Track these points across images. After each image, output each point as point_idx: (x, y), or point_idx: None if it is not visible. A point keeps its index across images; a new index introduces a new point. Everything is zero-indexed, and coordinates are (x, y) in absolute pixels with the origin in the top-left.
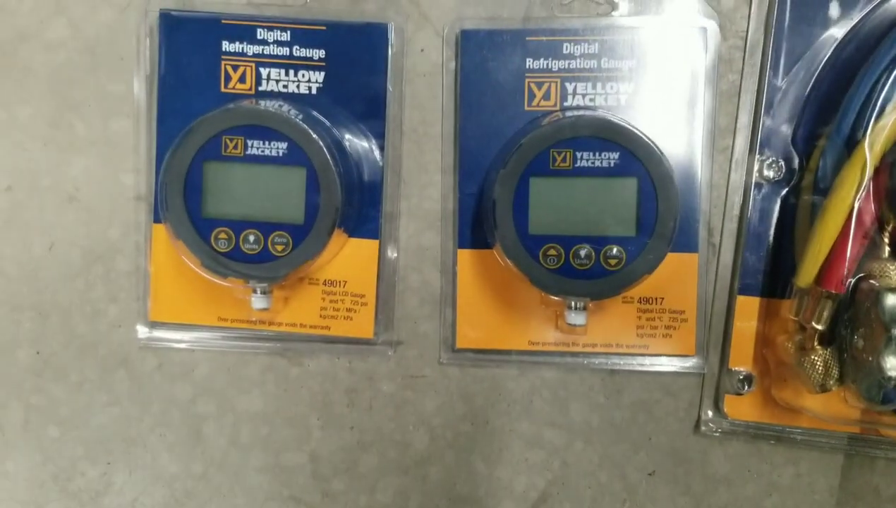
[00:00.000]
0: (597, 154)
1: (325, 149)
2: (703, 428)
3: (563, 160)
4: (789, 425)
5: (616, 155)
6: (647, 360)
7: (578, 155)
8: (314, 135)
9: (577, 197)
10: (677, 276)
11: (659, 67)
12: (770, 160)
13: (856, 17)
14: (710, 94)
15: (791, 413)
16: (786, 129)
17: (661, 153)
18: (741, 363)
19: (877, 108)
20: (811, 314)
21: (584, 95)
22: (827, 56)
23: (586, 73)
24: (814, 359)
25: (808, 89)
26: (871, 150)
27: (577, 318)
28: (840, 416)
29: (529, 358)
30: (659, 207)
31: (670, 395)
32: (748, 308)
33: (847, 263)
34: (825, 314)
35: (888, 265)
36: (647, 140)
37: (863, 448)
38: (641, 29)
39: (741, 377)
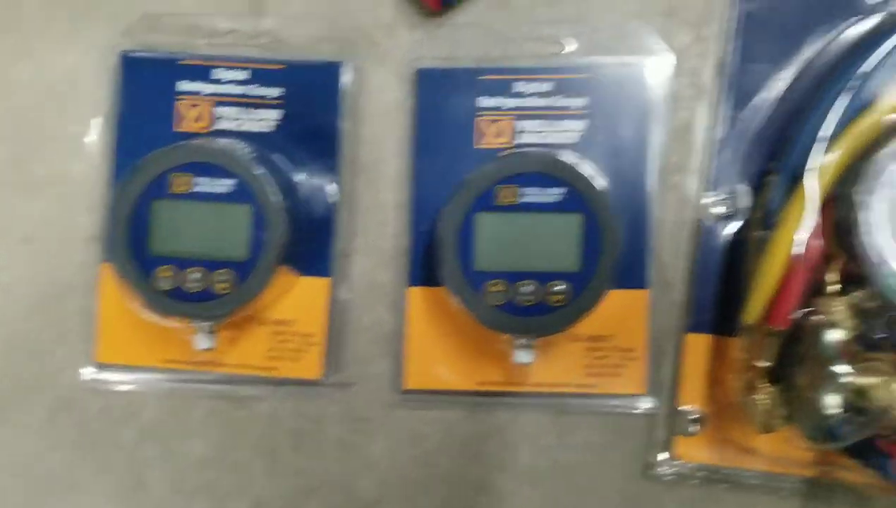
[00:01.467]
0: (542, 190)
1: (268, 186)
2: (654, 471)
3: (509, 196)
4: (743, 467)
5: (561, 191)
6: (598, 400)
7: (523, 191)
8: (258, 172)
9: (522, 232)
10: (627, 313)
11: (611, 105)
12: (721, 197)
13: (806, 55)
14: (662, 132)
15: (745, 455)
16: (737, 166)
17: (605, 190)
18: (692, 402)
19: (822, 144)
20: (757, 351)
21: (536, 133)
22: (779, 93)
23: (538, 112)
24: (759, 398)
25: (760, 126)
26: (816, 185)
27: (524, 356)
28: (792, 459)
29: (479, 399)
30: (603, 244)
31: (621, 437)
32: (699, 346)
33: (792, 299)
34: (770, 351)
35: (834, 300)
36: (590, 177)
37: (820, 493)
38: (593, 67)
39: (692, 417)
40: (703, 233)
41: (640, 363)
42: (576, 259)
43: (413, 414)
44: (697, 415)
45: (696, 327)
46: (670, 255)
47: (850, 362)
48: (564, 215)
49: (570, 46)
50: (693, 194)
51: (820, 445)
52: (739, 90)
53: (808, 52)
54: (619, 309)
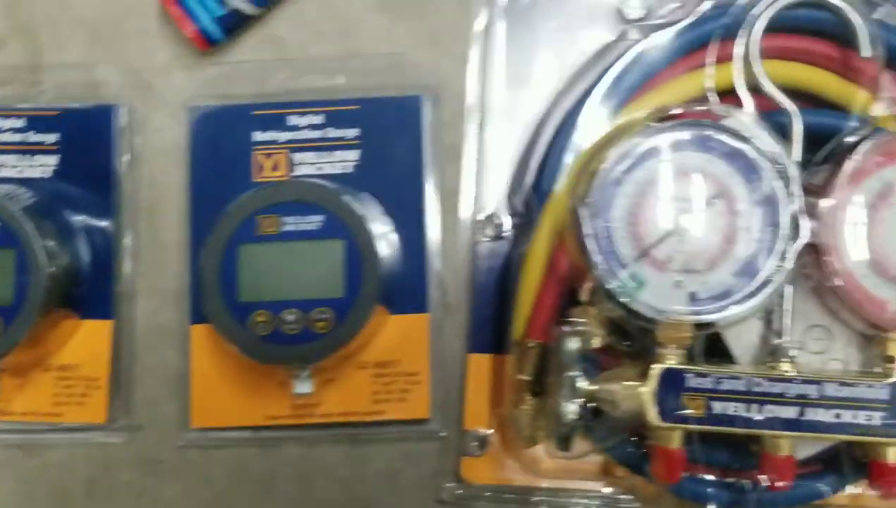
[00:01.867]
0: (302, 218)
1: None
2: (444, 496)
3: (270, 225)
4: (531, 486)
5: (321, 218)
6: (388, 427)
7: (284, 220)
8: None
9: (284, 262)
10: (411, 338)
11: (383, 133)
12: (492, 218)
13: (566, 78)
14: (435, 158)
15: (531, 472)
16: (504, 188)
17: (364, 215)
18: (477, 423)
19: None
20: (521, 366)
21: (312, 165)
22: (540, 116)
23: (313, 144)
24: (520, 412)
25: (523, 147)
26: (563, 201)
27: (302, 387)
28: (579, 472)
29: (268, 433)
30: (365, 268)
31: (414, 463)
32: (480, 366)
33: (545, 312)
34: (531, 364)
35: (584, 312)
36: (350, 203)
37: (607, 505)
38: (365, 98)
39: (476, 437)
40: (478, 254)
41: (424, 387)
42: (339, 285)
43: (204, 453)
44: (482, 436)
45: (477, 347)
46: (452, 278)
47: (597, 370)
48: (326, 242)
49: (341, 79)
50: (467, 217)
51: (562, 453)
52: (503, 114)
53: (568, 71)
54: (402, 333)
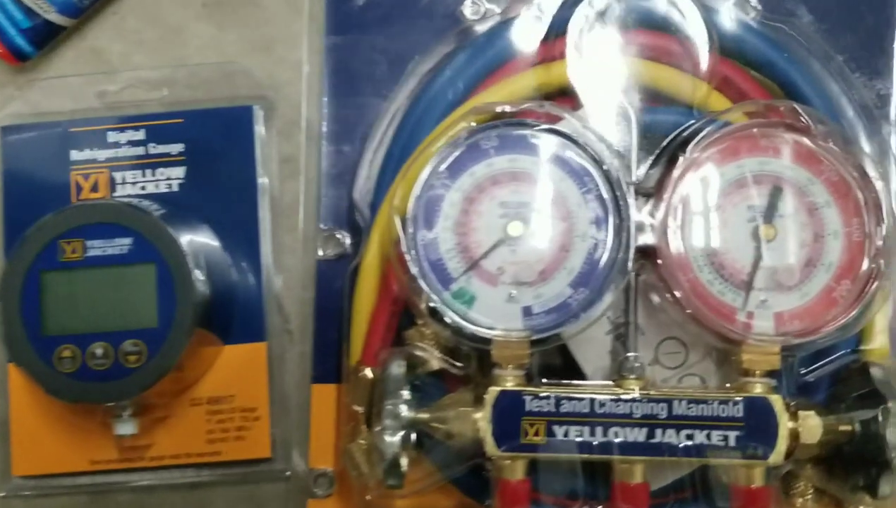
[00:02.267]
0: (109, 241)
1: None
2: None
3: (73, 251)
4: None
5: (129, 241)
6: (227, 469)
7: (89, 244)
8: None
9: (91, 290)
10: (247, 370)
11: (212, 148)
12: (334, 235)
13: (410, 85)
14: (271, 172)
15: None
16: (347, 202)
17: (176, 236)
18: (323, 461)
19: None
20: (354, 395)
21: (134, 184)
22: (385, 126)
23: (135, 161)
24: (355, 447)
25: (365, 159)
26: (390, 218)
27: (124, 427)
28: None
29: (99, 479)
30: (178, 294)
31: (259, 507)
32: (325, 398)
33: (377, 337)
34: (363, 393)
35: (423, 331)
36: (160, 223)
37: None
38: (189, 110)
39: (321, 477)
40: (320, 274)
41: (264, 423)
42: (151, 314)
43: (28, 503)
44: (329, 475)
45: (321, 377)
46: (294, 302)
47: (441, 395)
48: (135, 267)
49: (167, 91)
50: (309, 235)
51: (394, 488)
52: (342, 123)
53: (412, 81)
54: (238, 365)
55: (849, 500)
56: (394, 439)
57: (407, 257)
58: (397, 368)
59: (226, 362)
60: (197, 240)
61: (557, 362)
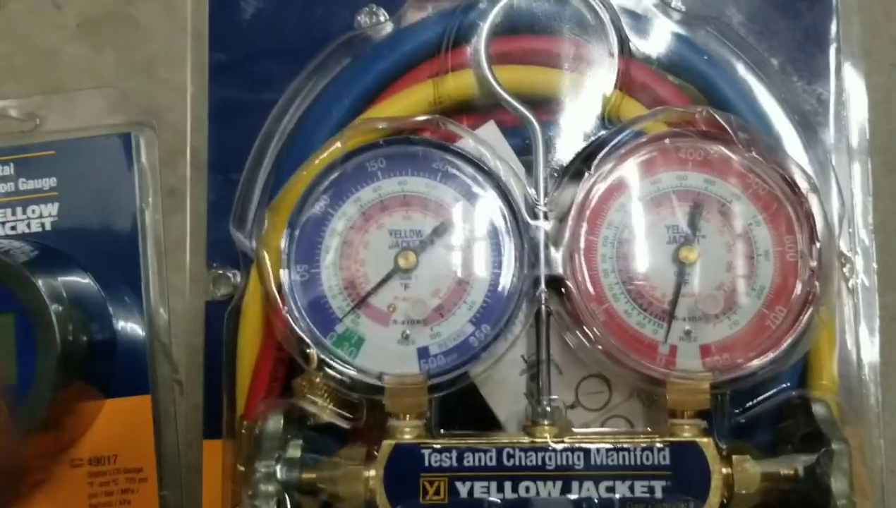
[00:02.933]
0: None
1: None
2: None
3: None
4: None
5: None
6: None
7: None
8: None
9: None
10: (131, 426)
11: (87, 182)
12: (225, 274)
13: (300, 103)
14: (154, 205)
15: None
16: (239, 238)
17: (36, 282)
18: None
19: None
20: (239, 452)
21: (3, 224)
22: (272, 148)
23: (2, 199)
24: None
25: (257, 187)
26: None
27: None
28: None
29: None
30: (39, 347)
31: None
32: (218, 454)
33: (261, 385)
34: (244, 451)
35: (313, 377)
36: (18, 268)
37: None
38: (62, 140)
39: None
40: (210, 318)
41: (151, 485)
42: (10, 369)
43: None
44: None
45: (214, 432)
46: (183, 349)
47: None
48: None
49: (38, 122)
50: (200, 274)
51: None
52: (230, 149)
53: (303, 98)
54: (121, 421)
55: None
56: (267, 505)
57: (280, 298)
58: (273, 424)
59: (108, 418)
60: (72, 283)
61: (469, 411)
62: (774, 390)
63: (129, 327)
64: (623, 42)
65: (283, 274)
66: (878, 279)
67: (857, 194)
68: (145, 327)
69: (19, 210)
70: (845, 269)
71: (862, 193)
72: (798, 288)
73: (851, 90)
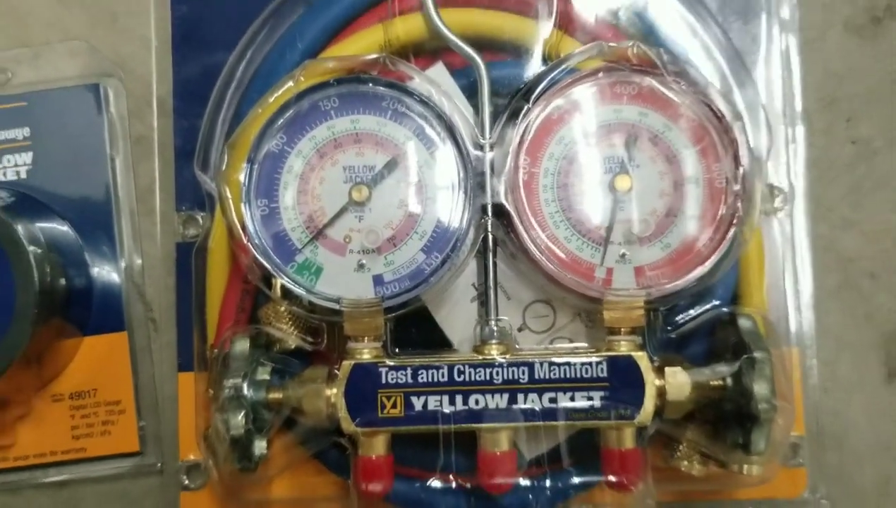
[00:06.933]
0: None
1: None
2: None
3: None
4: None
5: None
6: (93, 465)
7: None
8: None
9: None
10: (109, 362)
11: (60, 131)
12: (193, 216)
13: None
14: (124, 153)
15: (260, 503)
16: (203, 178)
17: (10, 222)
18: (193, 453)
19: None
20: (210, 379)
21: None
22: (231, 92)
23: None
24: (210, 433)
25: (219, 130)
26: (227, 191)
27: None
28: (314, 497)
29: None
30: (17, 282)
31: (132, 503)
32: (191, 387)
33: (229, 314)
34: (213, 376)
35: (278, 306)
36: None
37: None
38: (32, 92)
39: (192, 469)
40: (181, 258)
41: (129, 416)
42: None
43: None
44: (195, 466)
45: (187, 366)
46: (157, 289)
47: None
48: None
49: (10, 75)
50: (167, 217)
51: (246, 471)
52: (193, 95)
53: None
54: (99, 357)
55: (731, 460)
56: (235, 419)
57: (241, 231)
58: (240, 346)
59: (86, 354)
60: (48, 228)
61: (427, 337)
62: (704, 308)
63: (105, 270)
64: None
65: (245, 209)
66: (811, 210)
67: (791, 129)
68: (119, 270)
69: None
70: (778, 200)
71: (795, 127)
72: (723, 210)
73: (786, 28)
